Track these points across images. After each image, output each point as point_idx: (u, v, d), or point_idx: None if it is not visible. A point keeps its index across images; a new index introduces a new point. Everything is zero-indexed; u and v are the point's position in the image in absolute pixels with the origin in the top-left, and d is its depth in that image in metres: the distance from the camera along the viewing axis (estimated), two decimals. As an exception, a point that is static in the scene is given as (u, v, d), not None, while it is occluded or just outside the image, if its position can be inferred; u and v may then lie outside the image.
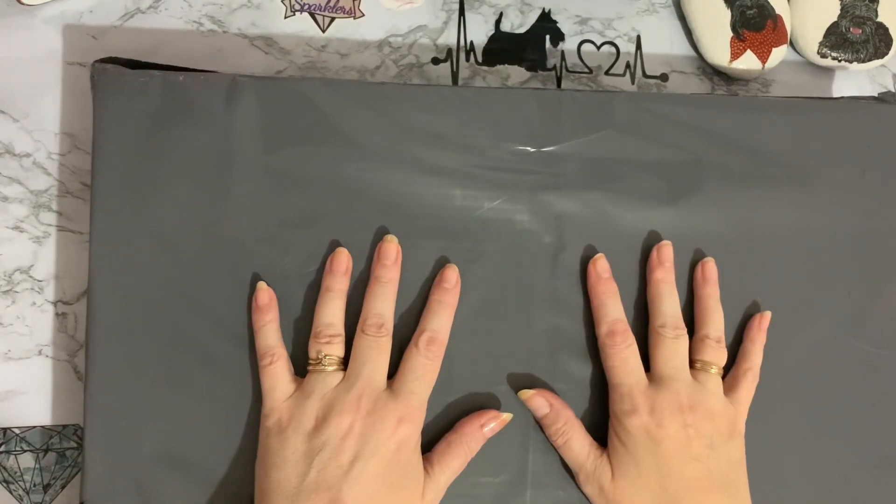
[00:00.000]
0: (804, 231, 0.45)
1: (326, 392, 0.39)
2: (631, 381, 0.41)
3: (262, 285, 0.41)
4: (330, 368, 0.39)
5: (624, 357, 0.41)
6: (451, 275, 0.42)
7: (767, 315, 0.44)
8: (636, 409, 0.40)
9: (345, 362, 0.40)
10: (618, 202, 0.44)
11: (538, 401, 0.42)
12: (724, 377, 0.43)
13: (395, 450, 0.38)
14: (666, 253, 0.43)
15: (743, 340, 0.44)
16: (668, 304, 0.42)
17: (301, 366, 0.41)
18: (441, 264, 0.42)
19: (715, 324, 0.43)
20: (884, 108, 0.47)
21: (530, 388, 0.42)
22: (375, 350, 0.40)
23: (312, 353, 0.40)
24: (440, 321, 0.41)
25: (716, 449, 0.40)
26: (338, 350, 0.40)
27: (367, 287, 0.41)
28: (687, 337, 0.42)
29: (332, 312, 0.40)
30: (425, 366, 0.40)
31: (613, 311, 0.42)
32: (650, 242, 0.44)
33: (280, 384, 0.39)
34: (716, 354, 0.42)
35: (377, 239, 0.42)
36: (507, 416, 0.41)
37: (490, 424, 0.41)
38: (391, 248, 0.41)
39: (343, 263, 0.41)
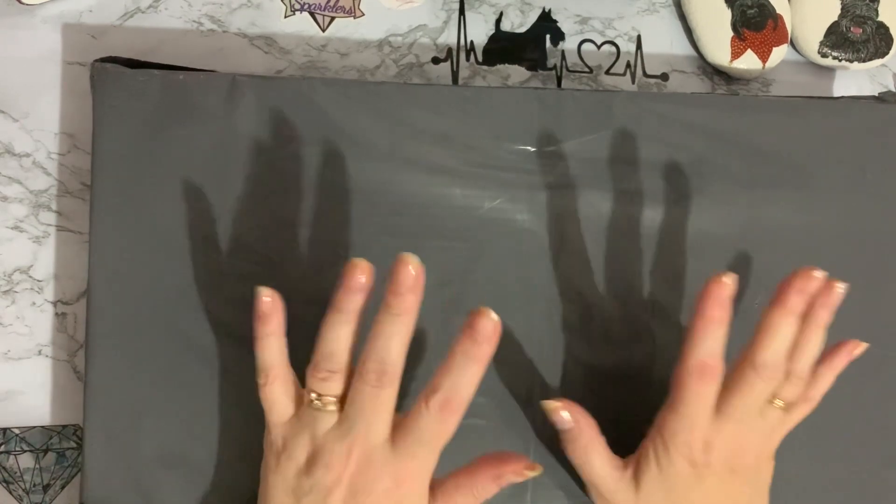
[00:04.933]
0: (804, 231, 0.45)
1: (318, 434, 0.34)
2: (698, 415, 0.37)
3: (261, 290, 0.35)
4: (328, 409, 0.34)
5: (704, 394, 0.37)
6: (485, 325, 0.31)
7: (863, 346, 0.39)
8: (690, 444, 0.37)
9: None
10: (618, 202, 0.44)
11: (563, 415, 0.37)
12: None
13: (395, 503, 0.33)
14: (811, 286, 0.37)
15: (820, 361, 0.39)
16: (780, 343, 0.37)
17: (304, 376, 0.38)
18: (441, 264, 0.42)
19: (809, 359, 0.38)
20: (884, 108, 0.47)
21: (528, 388, 0.42)
22: (373, 402, 0.33)
23: (308, 386, 0.35)
24: (461, 379, 0.32)
25: (751, 485, 0.38)
26: (335, 388, 0.34)
27: (376, 315, 0.33)
28: (779, 381, 0.38)
29: (336, 339, 0.34)
30: (434, 431, 0.33)
31: (715, 345, 0.37)
32: (650, 242, 0.44)
33: (277, 406, 0.35)
34: (795, 393, 0.38)
35: (376, 239, 0.42)
36: (532, 472, 0.34)
37: (507, 476, 0.34)
38: (405, 273, 0.32)
39: (356, 278, 0.33)
